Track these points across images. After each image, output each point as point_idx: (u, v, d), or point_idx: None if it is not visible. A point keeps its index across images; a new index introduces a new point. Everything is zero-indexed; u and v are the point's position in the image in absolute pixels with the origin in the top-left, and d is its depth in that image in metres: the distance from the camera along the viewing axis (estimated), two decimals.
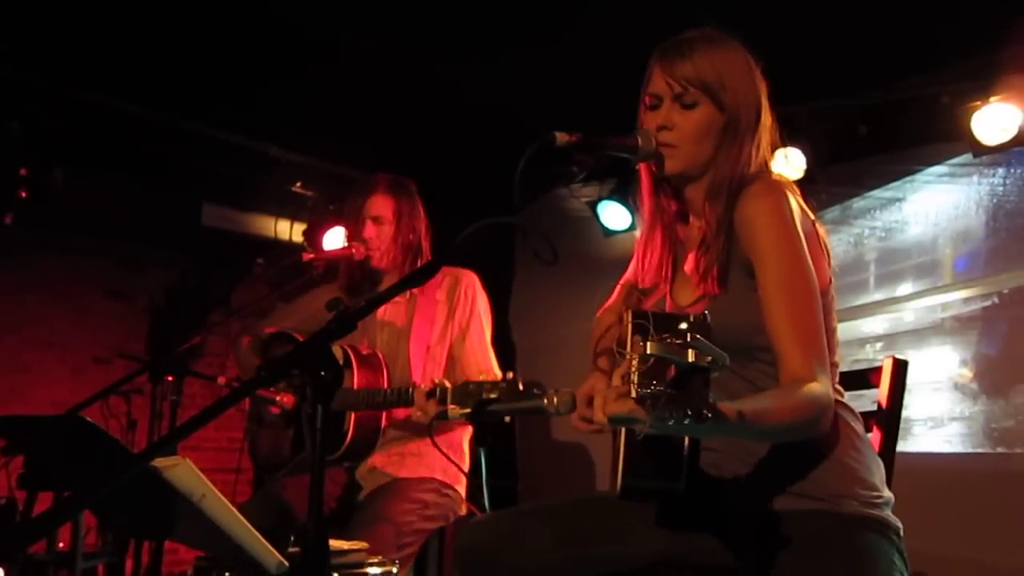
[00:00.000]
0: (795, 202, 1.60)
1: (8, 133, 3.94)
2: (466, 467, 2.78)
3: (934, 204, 3.72)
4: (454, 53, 3.69)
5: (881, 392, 1.86)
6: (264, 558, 1.55)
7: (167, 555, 2.98)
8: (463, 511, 2.73)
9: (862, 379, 1.91)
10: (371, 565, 1.90)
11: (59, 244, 4.89)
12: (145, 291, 5.35)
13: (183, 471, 1.46)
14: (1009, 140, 3.18)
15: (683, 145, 1.62)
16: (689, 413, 1.09)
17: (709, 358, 1.10)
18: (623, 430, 1.45)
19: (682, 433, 1.40)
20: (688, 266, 1.68)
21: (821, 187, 3.67)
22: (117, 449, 1.59)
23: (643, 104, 1.68)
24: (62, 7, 3.39)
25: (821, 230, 1.66)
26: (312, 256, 3.04)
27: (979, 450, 3.44)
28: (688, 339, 1.10)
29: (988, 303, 3.47)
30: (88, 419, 1.55)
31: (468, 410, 2.08)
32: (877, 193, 3.93)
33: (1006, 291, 3.39)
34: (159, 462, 1.43)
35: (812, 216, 1.65)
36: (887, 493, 1.60)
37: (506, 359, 3.02)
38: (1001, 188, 3.48)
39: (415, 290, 2.84)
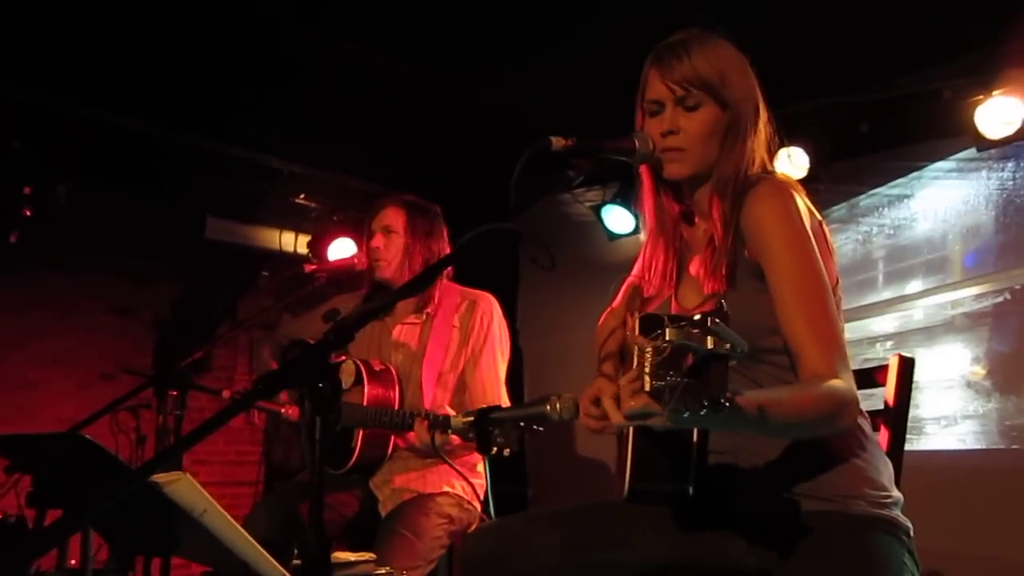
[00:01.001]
0: (802, 201, 1.59)
1: (11, 151, 3.95)
2: (484, 487, 2.73)
3: (942, 200, 3.68)
4: (456, 62, 3.68)
5: (888, 390, 1.83)
6: (268, 573, 1.54)
7: (179, 571, 2.97)
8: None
9: (868, 378, 1.88)
10: None
11: (64, 261, 4.89)
12: (150, 306, 5.35)
13: (183, 486, 1.45)
14: (1013, 134, 3.16)
15: (691, 148, 1.61)
16: (706, 403, 1.06)
17: (728, 345, 1.08)
18: (630, 433, 1.43)
19: (698, 425, 1.38)
20: (694, 268, 1.66)
21: (825, 185, 3.64)
22: (116, 465, 1.58)
23: (641, 111, 1.66)
24: (63, 25, 3.40)
25: (827, 229, 1.64)
26: (315, 267, 3.04)
27: (994, 447, 3.40)
28: (708, 324, 1.07)
29: (999, 299, 3.43)
30: (87, 436, 1.54)
31: (471, 419, 2.07)
32: (884, 190, 3.89)
33: (1018, 287, 3.36)
34: (159, 478, 1.42)
35: (818, 216, 1.64)
36: (896, 493, 1.58)
37: (514, 365, 2.99)
38: (1011, 183, 3.45)
39: (431, 312, 2.81)
